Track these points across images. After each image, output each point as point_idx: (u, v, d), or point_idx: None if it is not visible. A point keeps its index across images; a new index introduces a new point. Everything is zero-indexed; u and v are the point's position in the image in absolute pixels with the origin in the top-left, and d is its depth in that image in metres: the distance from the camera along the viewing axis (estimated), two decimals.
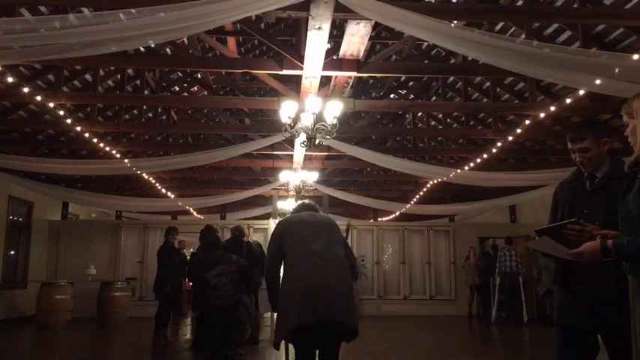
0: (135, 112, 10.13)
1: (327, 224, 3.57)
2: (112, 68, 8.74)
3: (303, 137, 6.33)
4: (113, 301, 10.67)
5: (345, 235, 4.70)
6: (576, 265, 2.39)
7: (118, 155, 8.71)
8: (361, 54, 5.63)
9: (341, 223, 13.12)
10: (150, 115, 10.45)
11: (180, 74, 10.57)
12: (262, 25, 8.47)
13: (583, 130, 2.74)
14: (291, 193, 11.37)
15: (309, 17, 4.39)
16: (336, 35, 6.88)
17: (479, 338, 9.30)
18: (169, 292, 7.56)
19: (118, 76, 8.94)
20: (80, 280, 10.76)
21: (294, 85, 7.35)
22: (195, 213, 13.98)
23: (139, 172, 9.67)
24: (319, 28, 4.52)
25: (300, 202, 3.93)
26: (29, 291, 10.53)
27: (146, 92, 9.58)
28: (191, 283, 7.63)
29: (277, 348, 3.46)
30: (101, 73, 8.34)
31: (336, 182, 12.71)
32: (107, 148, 8.47)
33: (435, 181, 10.98)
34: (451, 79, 9.98)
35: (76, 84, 8.56)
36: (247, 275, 6.18)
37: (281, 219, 3.94)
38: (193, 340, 6.86)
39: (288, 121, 6.04)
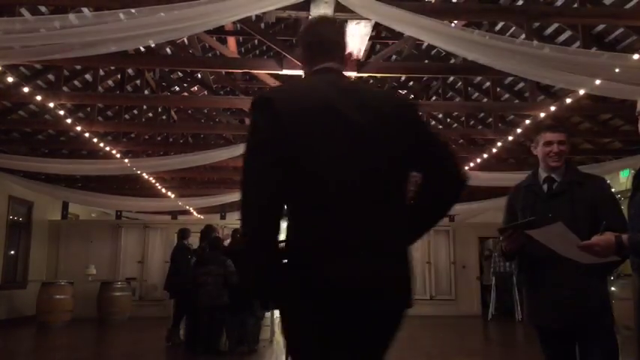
0: (135, 111, 10.12)
1: None
2: (112, 68, 8.72)
3: None
4: (113, 301, 10.65)
5: None
6: (549, 264, 2.43)
7: (118, 155, 8.70)
8: (361, 54, 5.63)
9: None
10: (150, 115, 10.43)
11: (180, 74, 10.55)
12: (262, 25, 8.46)
13: (560, 125, 2.83)
14: None
15: (309, 17, 4.39)
16: None
17: (478, 338, 9.30)
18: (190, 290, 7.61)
19: (118, 76, 8.93)
20: (80, 280, 10.74)
21: None
22: (195, 213, 13.97)
23: (139, 172, 9.66)
24: None
25: None
26: (29, 291, 10.51)
27: (146, 92, 9.56)
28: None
29: None
30: (101, 72, 8.33)
31: None
32: (107, 148, 8.46)
33: None
34: (451, 78, 9.98)
35: (76, 84, 8.55)
36: (228, 280, 6.44)
37: None
38: (186, 341, 6.93)
39: None
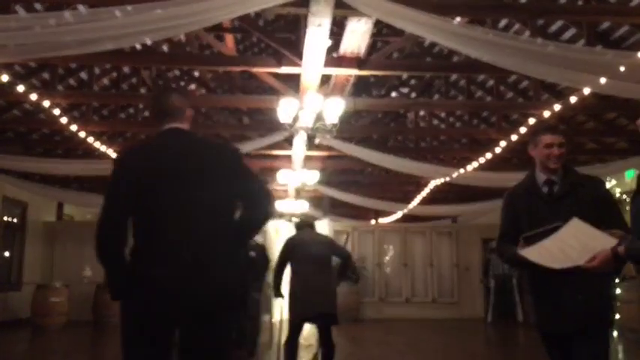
0: (131, 110, 10.01)
1: (324, 243, 4.98)
2: (108, 66, 8.64)
3: (302, 136, 6.23)
4: (109, 304, 10.47)
5: (345, 241, 5.41)
6: (559, 270, 2.39)
7: (114, 155, 8.59)
8: (362, 51, 5.53)
9: (343, 225, 13.07)
10: (146, 114, 10.32)
11: (177, 72, 10.46)
12: (261, 22, 8.35)
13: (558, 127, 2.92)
14: (291, 193, 11.28)
15: (309, 14, 4.30)
16: (337, 32, 6.76)
17: (481, 341, 9.21)
18: None
19: (114, 74, 8.85)
20: (76, 283, 10.65)
21: (293, 83, 7.24)
22: None
23: None
24: (319, 25, 4.43)
25: (300, 217, 5.42)
26: (24, 293, 10.42)
27: (142, 91, 9.46)
28: None
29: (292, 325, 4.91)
30: (97, 71, 8.27)
31: (336, 183, 12.59)
32: (103, 148, 8.35)
33: (438, 182, 10.87)
34: (454, 77, 9.87)
35: (71, 82, 8.48)
36: None
37: (290, 236, 5.26)
38: None
39: (288, 120, 5.94)
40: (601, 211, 2.53)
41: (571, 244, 2.24)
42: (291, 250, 4.97)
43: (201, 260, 2.15)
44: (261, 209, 2.36)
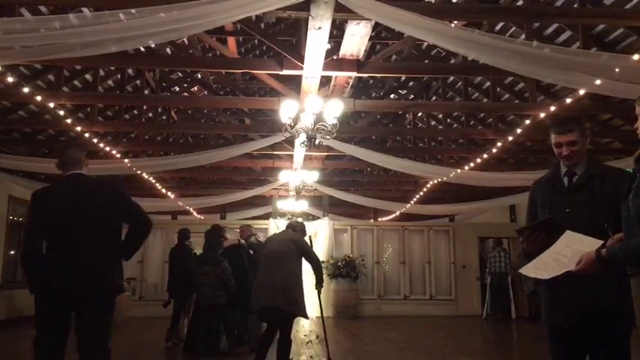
0: (135, 112, 10.13)
1: (290, 241, 5.07)
2: (112, 68, 8.74)
3: (303, 137, 6.34)
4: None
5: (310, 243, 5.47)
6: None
7: (118, 155, 8.71)
8: (361, 54, 5.63)
9: (342, 223, 13.17)
10: (150, 115, 10.45)
11: (180, 74, 10.57)
12: (262, 25, 8.47)
13: (570, 124, 2.69)
14: (291, 193, 11.38)
15: (310, 17, 4.39)
16: (336, 35, 6.88)
17: (477, 338, 9.31)
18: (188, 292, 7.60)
19: (118, 76, 8.95)
20: None
21: (294, 85, 7.36)
22: (195, 213, 13.97)
23: (139, 172, 9.66)
24: (319, 28, 4.52)
25: (288, 222, 5.67)
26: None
27: (146, 92, 9.57)
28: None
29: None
30: (101, 73, 8.34)
31: (336, 182, 12.71)
32: (107, 148, 8.46)
33: (435, 181, 10.98)
34: (451, 78, 9.99)
35: (76, 84, 8.56)
36: (225, 283, 6.48)
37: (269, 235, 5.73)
38: (186, 341, 6.92)
39: (289, 121, 6.04)
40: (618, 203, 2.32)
41: (564, 254, 2.21)
42: (263, 247, 5.37)
43: (85, 265, 3.09)
44: (144, 224, 3.37)
